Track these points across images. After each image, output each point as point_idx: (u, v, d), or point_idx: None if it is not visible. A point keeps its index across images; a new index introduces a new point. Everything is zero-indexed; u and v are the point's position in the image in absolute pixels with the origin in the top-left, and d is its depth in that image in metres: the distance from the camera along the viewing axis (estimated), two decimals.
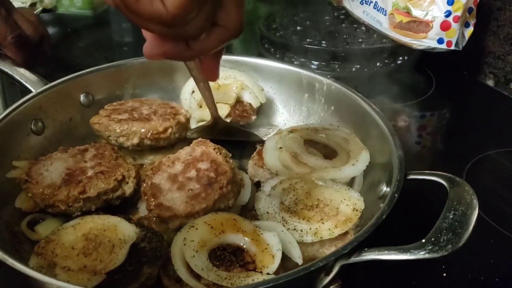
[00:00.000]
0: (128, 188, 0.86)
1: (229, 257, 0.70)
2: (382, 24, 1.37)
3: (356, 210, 0.78)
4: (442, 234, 0.62)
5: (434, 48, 1.28)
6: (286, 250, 0.72)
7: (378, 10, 1.38)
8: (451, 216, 0.65)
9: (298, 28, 1.51)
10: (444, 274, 0.80)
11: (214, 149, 0.88)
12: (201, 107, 1.07)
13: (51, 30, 1.72)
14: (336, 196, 0.81)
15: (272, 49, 1.45)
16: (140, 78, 1.14)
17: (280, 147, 0.92)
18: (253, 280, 0.65)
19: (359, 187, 0.88)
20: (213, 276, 0.66)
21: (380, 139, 0.88)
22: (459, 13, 1.22)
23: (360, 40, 1.43)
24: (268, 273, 0.67)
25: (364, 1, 1.43)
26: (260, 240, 0.72)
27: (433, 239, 0.61)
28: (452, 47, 1.26)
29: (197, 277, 0.67)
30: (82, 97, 1.06)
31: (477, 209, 0.66)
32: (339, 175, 0.87)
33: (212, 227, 0.73)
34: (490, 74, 1.46)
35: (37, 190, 0.81)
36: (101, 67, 1.09)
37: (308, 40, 1.41)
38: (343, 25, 1.53)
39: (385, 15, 1.36)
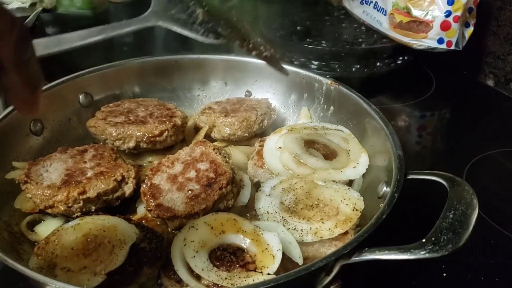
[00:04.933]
0: (128, 189, 0.85)
1: (229, 257, 0.70)
2: (382, 24, 1.37)
3: (356, 210, 0.78)
4: (442, 233, 0.62)
5: (434, 48, 1.28)
6: (287, 250, 0.71)
7: (378, 10, 1.38)
8: (451, 216, 0.65)
9: (298, 28, 1.51)
10: (444, 274, 0.80)
11: (214, 149, 0.87)
12: None
13: (51, 30, 1.72)
14: (336, 196, 0.81)
15: (272, 49, 1.44)
16: (139, 78, 1.14)
17: (280, 147, 0.92)
18: (253, 280, 0.65)
19: (359, 187, 0.88)
20: (213, 276, 0.66)
21: (380, 139, 0.88)
22: (459, 13, 1.22)
23: (360, 40, 1.43)
24: (268, 273, 0.67)
25: (364, 1, 1.43)
26: (261, 240, 0.71)
27: (433, 238, 0.61)
28: (452, 47, 1.26)
29: (197, 277, 0.67)
30: (81, 97, 1.06)
31: (477, 208, 0.66)
32: (339, 177, 0.87)
33: (212, 228, 0.73)
34: (490, 74, 1.46)
35: (36, 191, 0.80)
36: (101, 67, 1.09)
37: (308, 40, 1.41)
38: (343, 25, 1.53)
39: (385, 15, 1.36)
